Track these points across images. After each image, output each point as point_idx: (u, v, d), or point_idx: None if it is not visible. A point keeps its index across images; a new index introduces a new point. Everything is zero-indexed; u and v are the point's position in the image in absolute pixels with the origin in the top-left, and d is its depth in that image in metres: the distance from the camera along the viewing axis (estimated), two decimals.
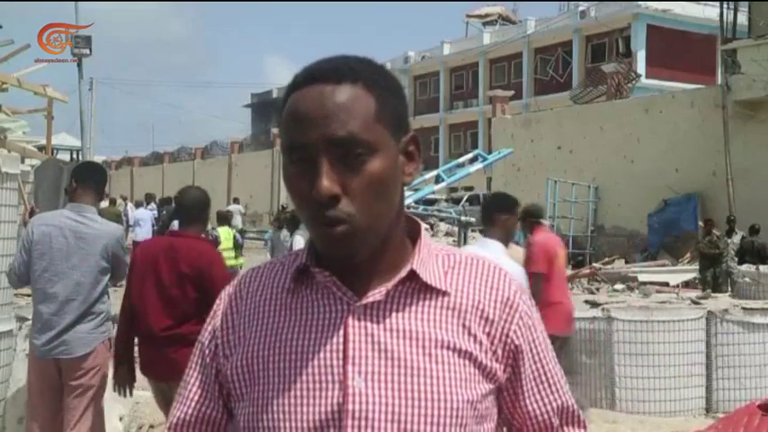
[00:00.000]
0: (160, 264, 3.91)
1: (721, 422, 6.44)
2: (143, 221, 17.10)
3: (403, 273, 1.15)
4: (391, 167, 1.12)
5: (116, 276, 4.37)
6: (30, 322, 4.56)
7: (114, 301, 4.44)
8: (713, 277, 12.73)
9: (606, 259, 16.78)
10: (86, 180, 4.26)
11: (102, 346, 4.21)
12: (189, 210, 4.16)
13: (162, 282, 3.91)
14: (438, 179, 17.21)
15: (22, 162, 7.79)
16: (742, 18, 17.55)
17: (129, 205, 23.36)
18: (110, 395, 4.45)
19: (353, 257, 1.13)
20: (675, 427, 6.93)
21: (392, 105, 1.14)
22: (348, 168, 1.08)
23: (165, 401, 4.04)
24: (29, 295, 5.42)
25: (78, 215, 4.14)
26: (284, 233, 10.70)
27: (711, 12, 26.72)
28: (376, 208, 1.10)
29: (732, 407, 6.74)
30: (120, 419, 5.31)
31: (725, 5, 17.40)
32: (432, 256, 1.20)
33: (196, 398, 1.24)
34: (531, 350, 1.22)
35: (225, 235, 11.53)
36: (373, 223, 1.11)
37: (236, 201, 24.95)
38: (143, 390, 6.89)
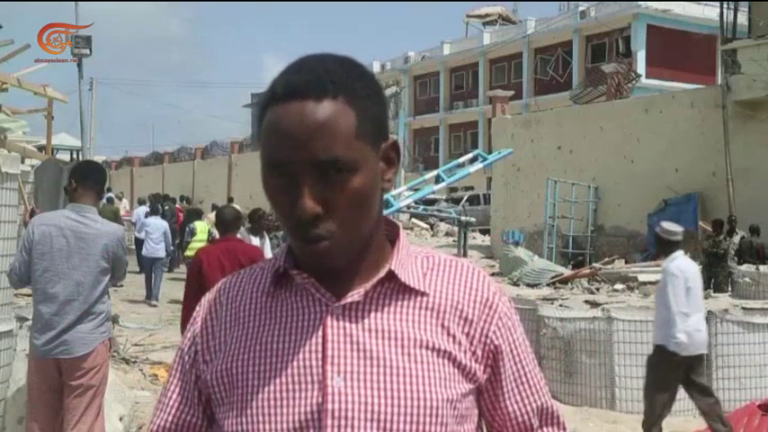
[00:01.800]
0: (222, 260, 5.16)
1: None
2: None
3: (381, 273, 1.16)
4: (372, 181, 1.12)
5: (116, 276, 4.37)
6: (30, 322, 4.56)
7: (115, 302, 4.44)
8: (714, 277, 12.71)
9: (606, 259, 16.76)
10: (86, 180, 4.25)
11: (103, 346, 4.20)
12: (230, 222, 5.60)
13: (226, 272, 4.88)
14: (438, 179, 17.20)
15: (22, 162, 7.79)
16: (742, 18, 17.54)
17: (126, 202, 23.39)
18: (110, 395, 4.45)
19: (333, 267, 1.14)
20: (675, 427, 6.93)
21: (373, 115, 1.13)
22: (330, 186, 1.08)
23: None
24: (29, 295, 5.42)
25: (79, 215, 4.14)
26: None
27: (711, 12, 26.75)
28: (357, 223, 1.12)
29: (732, 407, 6.75)
30: (120, 419, 5.30)
31: (725, 5, 17.38)
32: (411, 258, 1.21)
33: (176, 405, 1.24)
34: (511, 351, 1.23)
35: (200, 228, 13.64)
36: (354, 237, 1.12)
37: (230, 200, 24.68)
38: (143, 390, 6.90)
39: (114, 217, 15.11)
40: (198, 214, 16.79)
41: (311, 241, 1.10)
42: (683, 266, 5.83)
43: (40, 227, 4.11)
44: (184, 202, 24.56)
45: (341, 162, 1.08)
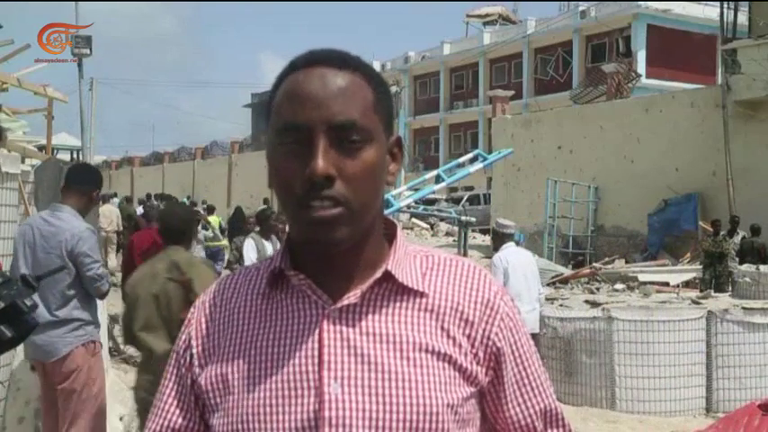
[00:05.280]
0: (151, 242, 7.14)
1: (721, 422, 6.45)
2: None
3: (378, 274, 1.13)
4: (382, 159, 1.12)
5: (87, 284, 4.05)
6: None
7: (116, 301, 4.41)
8: (715, 277, 12.71)
9: (606, 259, 16.76)
10: (71, 181, 4.23)
11: (82, 349, 4.06)
12: (153, 219, 7.68)
13: (151, 249, 7.39)
14: (438, 179, 17.14)
15: (23, 162, 7.77)
16: (742, 18, 17.55)
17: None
18: (110, 395, 4.44)
19: (337, 245, 1.09)
20: (675, 427, 6.94)
21: (385, 102, 1.14)
22: (343, 153, 1.07)
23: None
24: None
25: (50, 214, 4.09)
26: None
27: (711, 12, 26.75)
28: (367, 195, 1.09)
29: (732, 407, 6.75)
30: (121, 419, 5.30)
31: (725, 5, 17.40)
32: (409, 257, 1.18)
33: (171, 409, 1.21)
34: (513, 353, 1.20)
35: (212, 220, 16.52)
36: (364, 210, 1.09)
37: (265, 202, 24.09)
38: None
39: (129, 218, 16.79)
40: (210, 210, 18.44)
41: (322, 205, 1.05)
42: (503, 256, 6.52)
43: (21, 227, 4.13)
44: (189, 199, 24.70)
45: (358, 127, 1.07)
